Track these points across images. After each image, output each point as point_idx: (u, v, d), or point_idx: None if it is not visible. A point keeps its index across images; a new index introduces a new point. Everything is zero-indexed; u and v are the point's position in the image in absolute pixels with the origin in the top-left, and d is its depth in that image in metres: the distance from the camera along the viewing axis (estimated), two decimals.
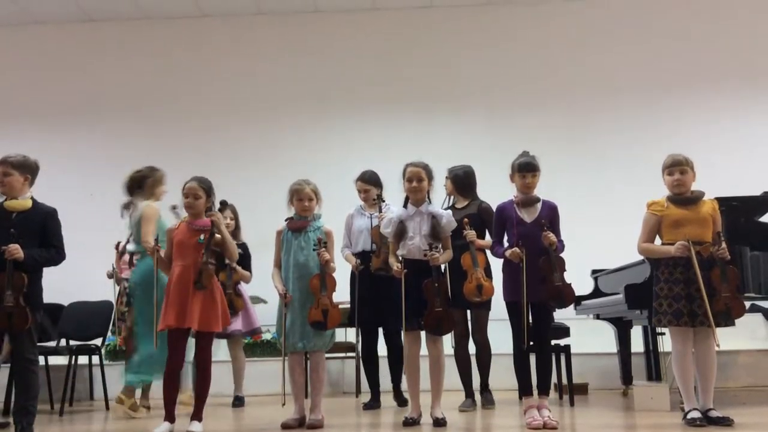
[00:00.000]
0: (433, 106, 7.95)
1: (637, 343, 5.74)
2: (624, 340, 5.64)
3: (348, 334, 6.34)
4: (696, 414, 3.78)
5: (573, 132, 7.72)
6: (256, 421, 4.79)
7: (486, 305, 4.74)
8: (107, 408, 5.73)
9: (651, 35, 7.89)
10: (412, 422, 4.06)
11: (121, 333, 5.55)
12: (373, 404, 5.11)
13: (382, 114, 8.07)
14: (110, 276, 5.63)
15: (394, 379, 5.10)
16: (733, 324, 3.85)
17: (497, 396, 5.03)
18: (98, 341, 5.99)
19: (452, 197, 5.14)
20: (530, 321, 4.00)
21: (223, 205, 5.19)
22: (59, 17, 8.22)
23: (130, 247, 5.50)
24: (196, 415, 4.09)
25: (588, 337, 5.96)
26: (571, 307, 5.85)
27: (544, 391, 4.00)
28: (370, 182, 5.20)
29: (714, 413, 3.78)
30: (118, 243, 5.68)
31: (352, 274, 5.06)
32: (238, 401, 5.54)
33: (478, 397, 4.97)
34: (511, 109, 7.90)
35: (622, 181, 7.23)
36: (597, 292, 5.79)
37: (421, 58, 8.08)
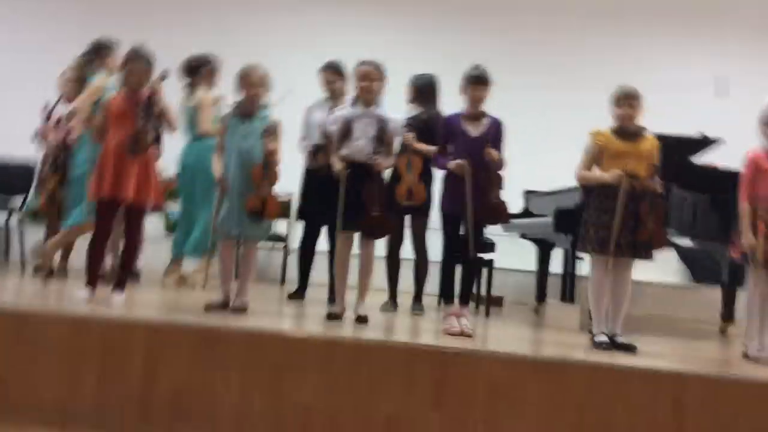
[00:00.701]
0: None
1: (555, 266, 5.98)
2: (544, 260, 5.85)
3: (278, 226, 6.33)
4: (603, 338, 3.98)
5: (524, 48, 7.65)
6: (179, 302, 4.79)
7: (423, 213, 4.80)
8: (22, 270, 5.63)
9: None
10: (334, 316, 4.14)
11: (41, 198, 5.32)
12: (299, 294, 5.18)
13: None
14: (36, 137, 5.38)
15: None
16: (651, 257, 4.02)
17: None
18: (18, 201, 5.83)
19: (413, 106, 5.03)
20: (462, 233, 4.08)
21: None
22: None
23: (59, 109, 5.28)
24: (119, 286, 4.08)
25: (509, 253, 6.15)
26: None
27: (465, 300, 4.12)
28: (337, 73, 5.05)
29: (620, 339, 4.00)
30: (46, 104, 5.39)
31: (306, 172, 5.09)
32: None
33: (403, 303, 5.06)
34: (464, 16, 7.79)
35: (567, 106, 7.27)
36: (526, 213, 5.95)
37: None
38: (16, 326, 3.59)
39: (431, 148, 4.47)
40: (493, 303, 5.60)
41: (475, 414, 3.56)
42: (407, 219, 4.99)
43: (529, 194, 6.02)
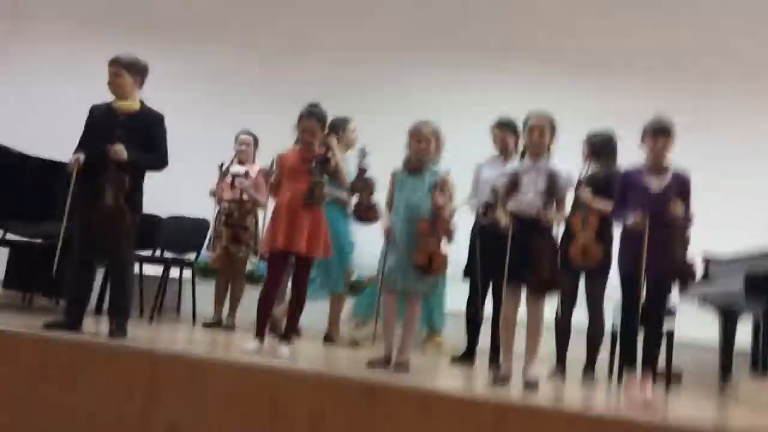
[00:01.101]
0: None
1: (742, 339, 5.42)
2: (729, 331, 5.32)
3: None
4: None
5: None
6: (344, 357, 4.75)
7: (600, 274, 4.50)
8: (194, 322, 5.85)
9: None
10: (502, 380, 3.92)
11: (215, 250, 5.62)
12: (467, 358, 4.96)
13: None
14: (212, 194, 5.69)
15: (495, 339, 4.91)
16: None
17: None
18: (192, 256, 6.10)
19: (589, 164, 4.77)
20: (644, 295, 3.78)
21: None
22: None
23: (234, 169, 5.58)
24: (286, 339, 4.09)
25: (686, 323, 5.66)
26: (676, 292, 5.60)
27: (650, 366, 3.79)
28: (509, 130, 4.95)
29: None
30: (222, 164, 5.73)
31: (473, 228, 4.95)
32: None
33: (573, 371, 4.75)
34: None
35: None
36: (705, 277, 5.47)
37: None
38: (190, 374, 3.67)
39: (608, 205, 4.23)
40: (672, 379, 5.12)
41: None
42: (582, 281, 4.70)
43: (708, 262, 5.53)
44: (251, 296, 5.22)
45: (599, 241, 4.32)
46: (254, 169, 5.65)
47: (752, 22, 7.42)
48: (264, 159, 5.50)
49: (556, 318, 4.71)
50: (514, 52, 7.70)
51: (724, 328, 5.34)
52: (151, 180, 4.24)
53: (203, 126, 7.46)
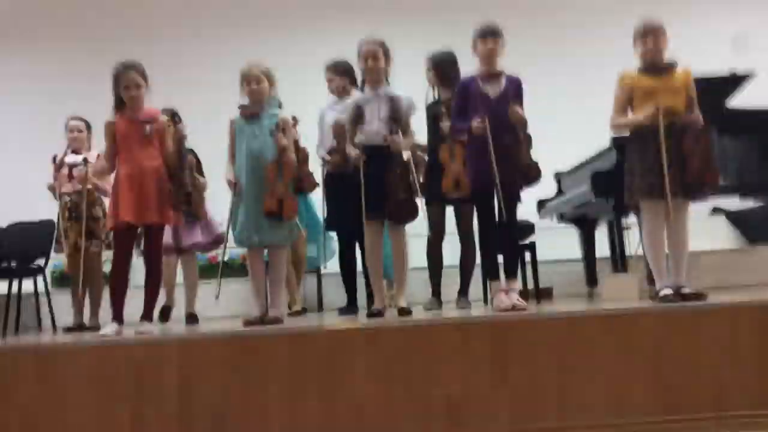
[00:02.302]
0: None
1: (602, 249, 5.65)
2: (589, 241, 5.53)
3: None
4: (668, 291, 3.66)
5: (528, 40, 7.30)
6: (215, 324, 4.55)
7: (470, 203, 4.44)
8: (54, 331, 5.45)
9: None
10: (377, 313, 3.88)
11: (65, 251, 5.21)
12: (351, 311, 4.79)
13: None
14: (50, 189, 5.27)
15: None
16: (704, 196, 3.72)
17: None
18: (42, 262, 5.67)
19: (436, 89, 4.68)
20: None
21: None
22: None
23: (69, 159, 5.20)
24: (147, 316, 3.87)
25: (551, 245, 5.84)
26: (534, 211, 5.77)
27: (513, 274, 3.84)
28: (335, 71, 4.83)
29: (686, 290, 3.67)
30: (55, 156, 5.29)
31: (325, 177, 4.82)
32: (191, 318, 5.12)
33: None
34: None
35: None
36: (560, 194, 5.66)
37: None
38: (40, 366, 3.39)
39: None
40: (543, 296, 5.26)
41: (544, 381, 3.25)
42: (450, 211, 4.65)
43: (560, 176, 5.72)
44: None
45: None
46: (93, 155, 5.26)
47: None
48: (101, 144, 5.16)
49: (427, 250, 4.67)
50: None
51: (584, 238, 5.55)
52: None
53: (29, 123, 6.99)
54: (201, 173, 5.08)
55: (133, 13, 7.81)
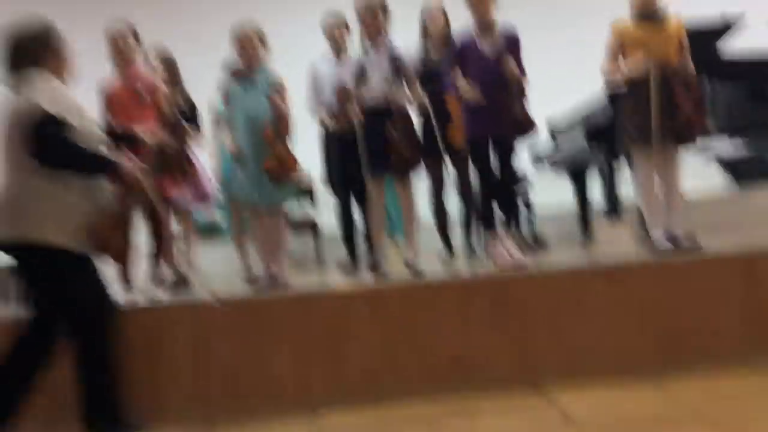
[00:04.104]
0: None
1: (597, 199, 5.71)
2: (582, 189, 5.57)
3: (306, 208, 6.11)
4: (663, 235, 3.74)
5: None
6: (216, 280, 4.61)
7: (466, 153, 4.30)
8: None
9: None
10: (376, 265, 3.93)
11: None
12: (353, 266, 4.75)
13: None
14: None
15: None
16: (694, 140, 3.77)
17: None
18: None
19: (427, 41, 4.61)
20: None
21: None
22: None
23: None
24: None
25: (546, 196, 5.90)
26: (528, 162, 5.81)
27: (509, 223, 3.90)
28: (343, 24, 4.62)
29: (681, 239, 3.72)
30: None
31: (324, 136, 4.74)
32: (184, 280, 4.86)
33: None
34: None
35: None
36: (554, 144, 5.69)
37: None
38: None
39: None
40: (539, 246, 5.33)
41: (543, 332, 3.36)
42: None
43: (553, 128, 5.75)
44: None
45: None
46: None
47: None
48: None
49: (432, 202, 4.68)
50: None
51: (577, 187, 5.58)
52: None
53: None
54: (196, 122, 4.68)
55: None
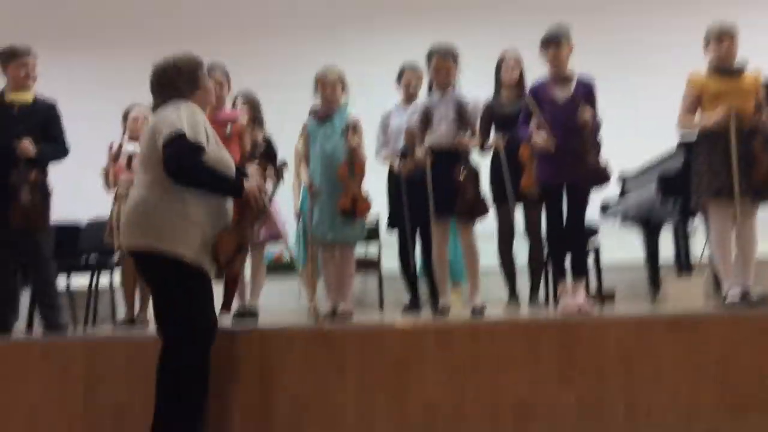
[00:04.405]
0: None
1: (666, 253, 5.62)
2: (652, 243, 5.51)
3: (368, 249, 6.19)
4: (735, 294, 3.67)
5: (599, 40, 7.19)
6: (282, 318, 4.70)
7: (539, 202, 4.29)
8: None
9: None
10: (443, 311, 3.98)
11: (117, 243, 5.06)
12: (414, 306, 4.82)
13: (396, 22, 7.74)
14: (105, 176, 4.87)
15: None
16: None
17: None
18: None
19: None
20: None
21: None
22: None
23: (129, 147, 4.88)
24: (225, 306, 4.10)
25: (615, 249, 5.85)
26: (597, 214, 5.78)
27: (580, 275, 3.88)
28: (417, 74, 4.80)
29: (754, 295, 3.67)
30: (111, 144, 4.95)
31: (390, 177, 4.83)
32: (251, 315, 4.74)
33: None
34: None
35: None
36: (625, 196, 5.65)
37: None
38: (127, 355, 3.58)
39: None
40: (605, 299, 5.28)
41: (610, 386, 3.31)
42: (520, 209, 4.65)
43: (625, 177, 5.71)
44: None
45: None
46: None
47: None
48: None
49: (499, 250, 4.70)
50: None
51: (648, 240, 5.52)
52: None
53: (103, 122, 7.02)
54: (274, 164, 4.95)
55: (207, 13, 7.95)
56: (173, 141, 2.85)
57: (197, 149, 2.90)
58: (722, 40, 3.76)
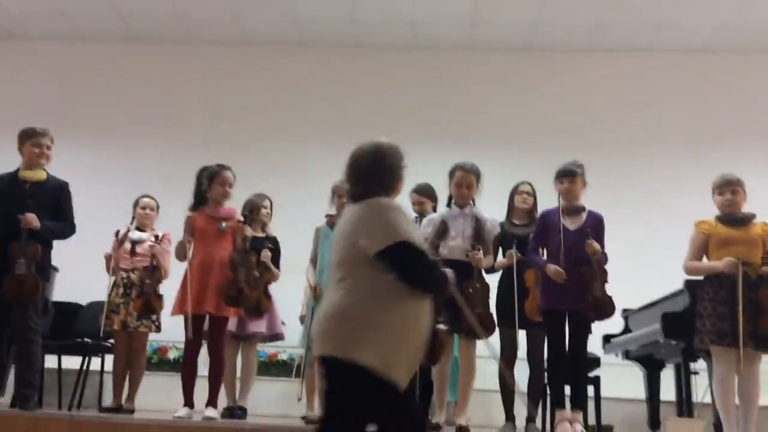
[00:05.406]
0: (469, 145, 7.78)
1: (667, 391, 5.53)
2: (654, 381, 5.44)
3: None
4: None
5: (609, 181, 7.39)
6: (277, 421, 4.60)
7: (543, 329, 4.32)
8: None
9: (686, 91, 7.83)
10: (436, 427, 3.89)
11: (116, 327, 4.90)
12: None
13: (415, 150, 7.90)
14: (108, 260, 4.91)
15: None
16: None
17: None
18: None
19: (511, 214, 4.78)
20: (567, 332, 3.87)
21: (260, 198, 4.94)
22: (104, 35, 8.31)
23: (134, 235, 5.04)
24: (211, 402, 4.03)
25: (615, 382, 5.77)
26: (600, 346, 5.72)
27: (578, 405, 3.84)
28: (424, 194, 4.92)
29: None
30: (117, 231, 5.10)
31: None
32: (240, 411, 4.77)
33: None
34: (546, 153, 7.75)
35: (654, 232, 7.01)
36: (627, 332, 5.62)
37: (458, 98, 8.06)
38: None
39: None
40: (602, 429, 5.16)
41: None
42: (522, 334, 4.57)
43: (627, 313, 5.70)
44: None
45: None
46: (163, 235, 5.02)
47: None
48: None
49: (499, 375, 4.63)
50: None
51: (649, 378, 5.45)
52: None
53: (107, 204, 6.68)
54: (277, 264, 4.80)
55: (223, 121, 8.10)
56: (402, 245, 2.49)
57: (420, 249, 2.57)
58: (725, 190, 3.88)
